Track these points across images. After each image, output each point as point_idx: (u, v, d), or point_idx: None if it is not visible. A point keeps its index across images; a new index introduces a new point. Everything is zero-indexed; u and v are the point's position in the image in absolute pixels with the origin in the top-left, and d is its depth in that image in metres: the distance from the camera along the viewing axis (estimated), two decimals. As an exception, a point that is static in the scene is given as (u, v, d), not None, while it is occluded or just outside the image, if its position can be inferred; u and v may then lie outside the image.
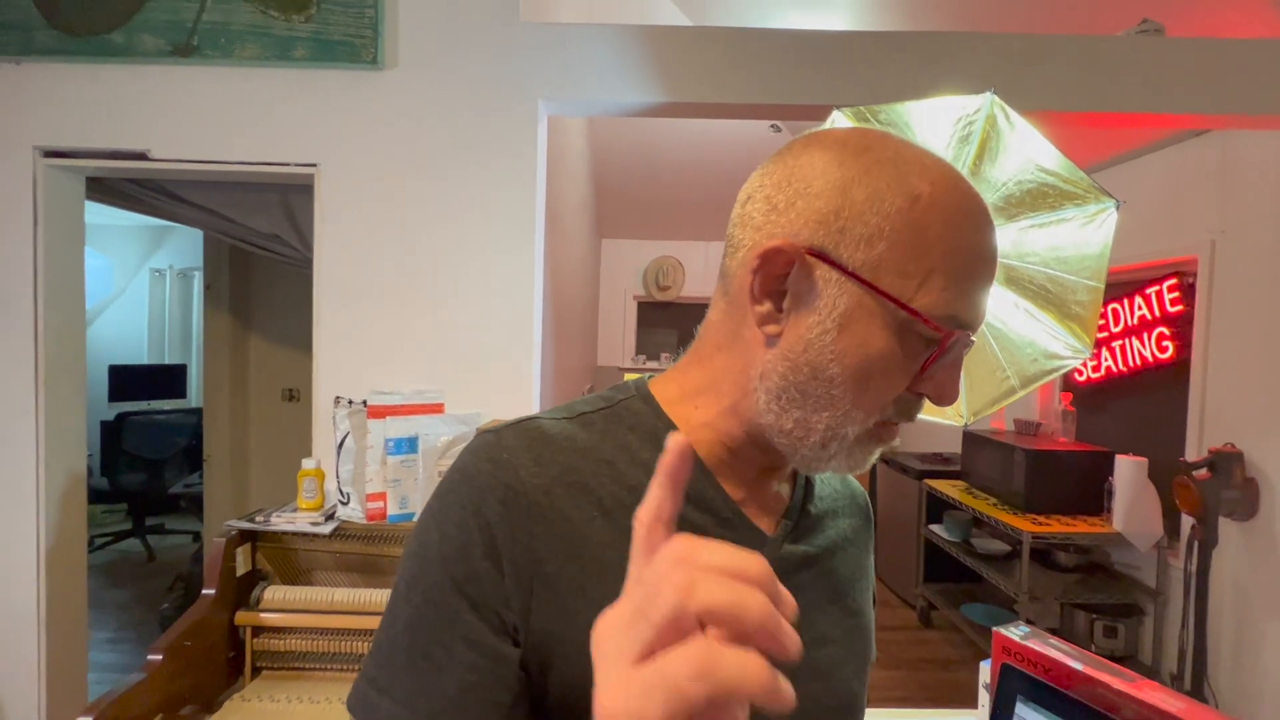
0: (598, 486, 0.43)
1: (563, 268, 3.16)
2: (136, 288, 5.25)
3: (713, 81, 1.72)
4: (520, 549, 0.40)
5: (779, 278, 0.42)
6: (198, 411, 4.39)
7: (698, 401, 0.47)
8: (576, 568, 0.40)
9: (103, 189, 1.96)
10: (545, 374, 2.08)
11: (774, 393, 0.42)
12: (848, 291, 0.40)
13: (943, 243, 0.40)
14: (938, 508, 3.20)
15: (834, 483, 0.58)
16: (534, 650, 0.40)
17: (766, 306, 0.42)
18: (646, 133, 4.06)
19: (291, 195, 1.91)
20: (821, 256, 0.41)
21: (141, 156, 1.72)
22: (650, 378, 0.52)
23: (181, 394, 5.04)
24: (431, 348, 1.73)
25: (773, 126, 3.83)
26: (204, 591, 1.37)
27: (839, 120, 1.41)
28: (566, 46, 1.72)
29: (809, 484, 0.53)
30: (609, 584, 0.39)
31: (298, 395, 2.94)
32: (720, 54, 1.72)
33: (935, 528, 3.17)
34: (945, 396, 0.42)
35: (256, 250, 2.06)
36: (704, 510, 0.45)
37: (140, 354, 5.20)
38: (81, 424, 1.90)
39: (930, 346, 0.41)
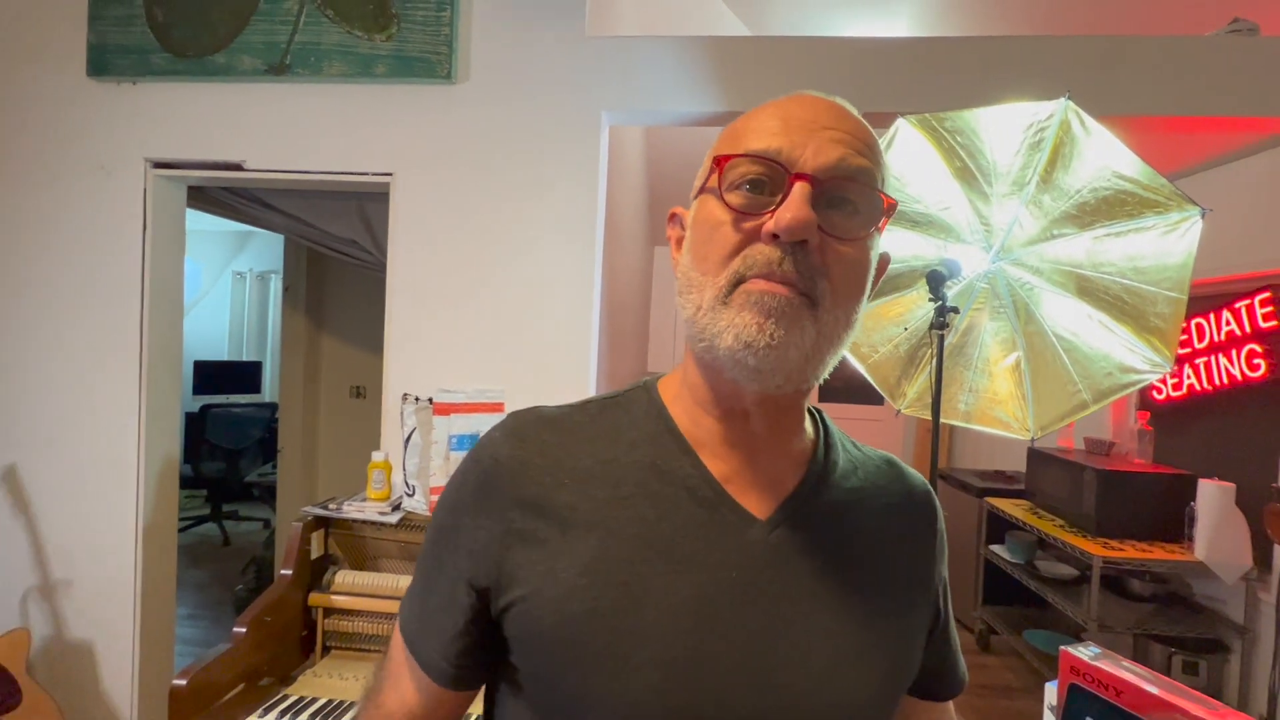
0: (571, 460, 0.49)
1: (618, 275, 3.21)
2: (220, 289, 5.62)
3: (774, 91, 1.73)
4: (495, 508, 0.49)
5: (676, 236, 0.53)
6: (271, 406, 4.67)
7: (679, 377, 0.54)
8: (541, 524, 0.47)
9: (202, 197, 2.13)
10: (600, 379, 2.12)
11: (680, 304, 0.49)
12: (692, 209, 0.51)
13: (728, 133, 0.49)
14: (999, 527, 3.08)
15: (880, 478, 0.55)
16: (504, 594, 0.47)
17: (674, 254, 0.53)
18: (702, 141, 4.09)
19: (368, 203, 2.03)
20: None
21: (237, 167, 1.87)
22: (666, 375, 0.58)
23: (257, 389, 5.36)
24: (494, 349, 1.80)
25: (831, 134, 3.79)
26: (281, 572, 1.46)
27: (903, 130, 1.40)
28: (629, 58, 1.76)
29: (825, 472, 0.52)
30: (568, 538, 0.47)
31: (364, 392, 3.09)
32: (781, 64, 1.73)
33: (996, 548, 3.05)
34: (779, 221, 0.43)
35: (334, 254, 2.19)
36: (681, 487, 0.48)
37: (221, 351, 5.57)
38: (176, 414, 2.07)
39: (729, 190, 0.46)
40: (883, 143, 1.43)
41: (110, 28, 1.84)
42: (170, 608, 2.06)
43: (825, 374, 0.47)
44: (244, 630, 1.32)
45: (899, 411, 1.63)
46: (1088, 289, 1.35)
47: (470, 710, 0.58)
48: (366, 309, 3.02)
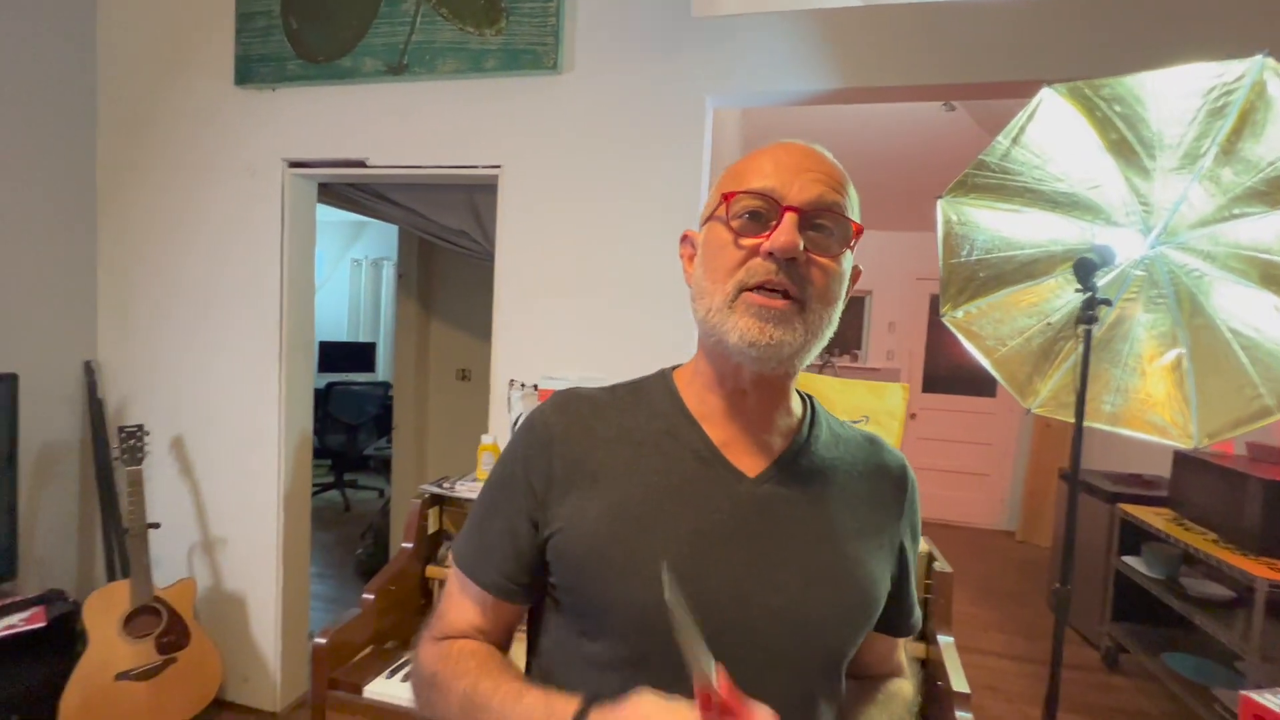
0: (601, 429, 0.64)
1: (713, 259, 3.16)
2: (339, 275, 6.10)
3: (891, 63, 1.62)
4: (542, 464, 0.62)
5: (689, 254, 0.66)
6: (384, 384, 5.03)
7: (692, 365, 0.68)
8: (578, 474, 0.61)
9: (328, 193, 2.29)
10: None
11: (693, 306, 0.62)
12: (703, 233, 0.64)
13: (732, 173, 0.62)
14: (1134, 537, 2.78)
15: (858, 451, 0.68)
16: (548, 526, 0.60)
17: (686, 268, 0.67)
18: (801, 120, 3.92)
19: (477, 194, 2.10)
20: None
21: (361, 164, 1.99)
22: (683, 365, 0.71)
23: (371, 368, 5.78)
24: (599, 336, 1.82)
25: (946, 106, 3.51)
26: (403, 545, 1.57)
27: (1048, 101, 1.26)
28: (735, 38, 1.70)
29: (809, 442, 0.65)
30: (599, 486, 0.60)
31: (469, 375, 3.24)
32: (899, 33, 1.61)
33: (1130, 560, 2.76)
34: (774, 243, 0.55)
35: (445, 244, 2.30)
36: (686, 449, 0.62)
37: (340, 332, 6.05)
38: (310, 390, 2.26)
39: (733, 218, 0.58)
40: (1025, 115, 1.30)
41: (253, 38, 2.00)
42: (306, 567, 2.28)
43: (809, 361, 0.60)
44: (372, 597, 1.43)
45: (1029, 411, 1.49)
46: (1276, 277, 1.16)
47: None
48: (472, 295, 3.16)
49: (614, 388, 0.69)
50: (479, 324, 3.15)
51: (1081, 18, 1.52)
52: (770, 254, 0.55)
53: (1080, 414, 1.21)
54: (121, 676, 1.74)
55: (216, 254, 2.12)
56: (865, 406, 1.56)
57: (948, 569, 1.37)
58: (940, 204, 1.46)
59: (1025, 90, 1.30)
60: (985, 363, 1.51)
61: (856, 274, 0.65)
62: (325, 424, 4.60)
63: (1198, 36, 1.44)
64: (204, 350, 2.15)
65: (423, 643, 0.67)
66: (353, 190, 2.26)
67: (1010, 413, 4.75)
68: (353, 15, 1.90)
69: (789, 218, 0.55)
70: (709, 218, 0.62)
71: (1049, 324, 1.49)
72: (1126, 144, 1.23)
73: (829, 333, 0.60)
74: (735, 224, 0.58)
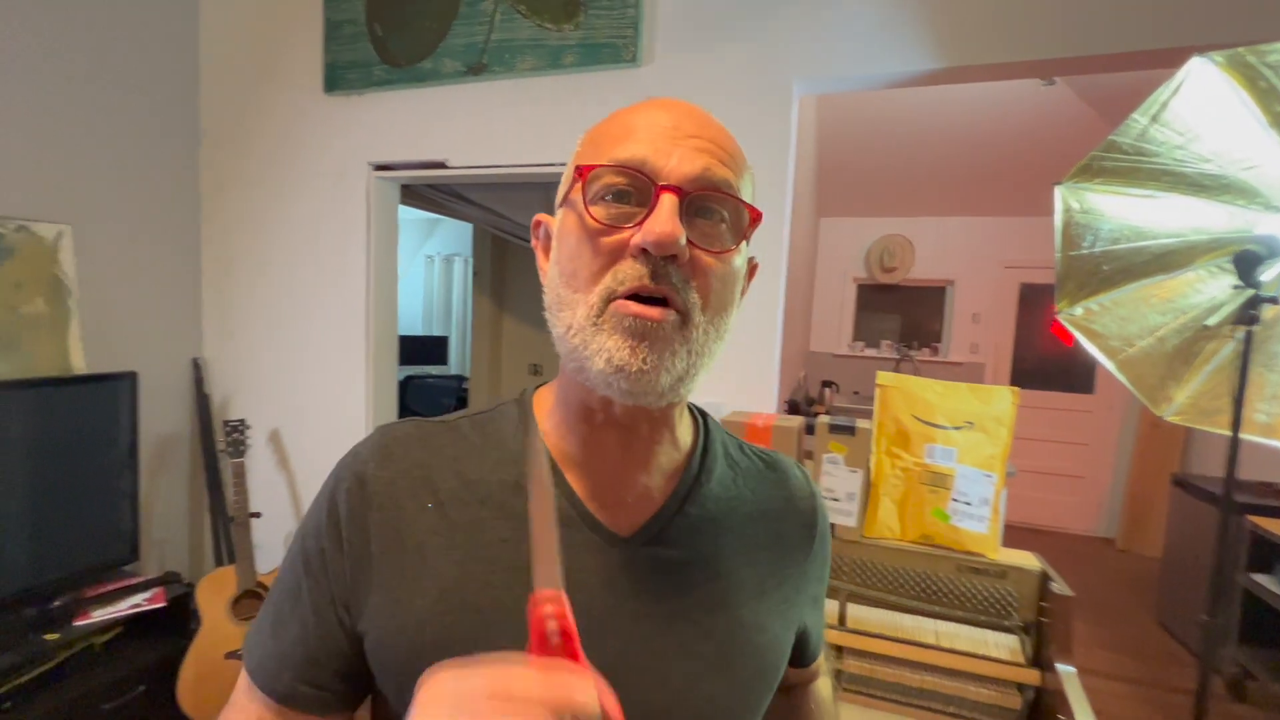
0: (439, 480, 0.48)
1: (794, 251, 3.06)
2: (414, 271, 6.32)
3: (1001, 37, 1.48)
4: (357, 531, 0.47)
5: (544, 239, 0.52)
6: (457, 377, 5.18)
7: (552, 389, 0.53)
8: (400, 550, 0.46)
9: (409, 193, 2.35)
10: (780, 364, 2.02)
11: (551, 320, 0.47)
12: (557, 219, 0.49)
13: (589, 141, 0.48)
14: (1266, 553, 2.51)
15: (758, 482, 0.55)
16: (364, 620, 0.46)
17: (542, 265, 0.52)
18: (880, 100, 3.72)
19: (552, 192, 2.09)
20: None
21: (441, 165, 2.02)
22: (548, 383, 0.55)
23: (444, 361, 5.98)
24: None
25: (1045, 81, 3.24)
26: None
27: (1198, 71, 1.12)
28: (823, 19, 1.61)
29: (696, 484, 0.52)
30: (427, 566, 0.45)
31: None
32: (1006, 4, 1.47)
33: (1262, 578, 2.49)
34: (647, 234, 0.41)
35: (522, 242, 2.31)
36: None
37: (415, 327, 6.28)
38: (394, 384, 2.34)
39: (592, 202, 0.44)
40: (1168, 89, 1.16)
41: (340, 46, 2.06)
42: (391, 557, 2.36)
43: (696, 387, 0.46)
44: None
45: (1163, 418, 1.35)
46: None
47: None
48: (541, 290, 3.19)
49: (458, 420, 0.53)
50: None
51: (1231, -26, 1.34)
52: (643, 250, 0.42)
53: (1237, 423, 1.07)
54: (231, 655, 1.86)
55: (306, 256, 2.21)
56: (969, 412, 1.45)
57: (1068, 592, 1.26)
58: (1059, 191, 1.33)
59: (1177, 60, 1.15)
60: (1109, 365, 1.38)
61: (753, 270, 0.52)
62: (403, 416, 4.78)
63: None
64: (297, 346, 2.26)
65: None
66: (432, 190, 2.30)
67: (1110, 411, 4.40)
68: (433, 18, 1.92)
69: (666, 200, 0.42)
70: (563, 200, 0.48)
71: (1185, 322, 1.34)
72: (1296, 117, 1.07)
73: (718, 350, 0.46)
74: (597, 210, 0.44)
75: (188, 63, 2.25)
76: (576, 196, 0.45)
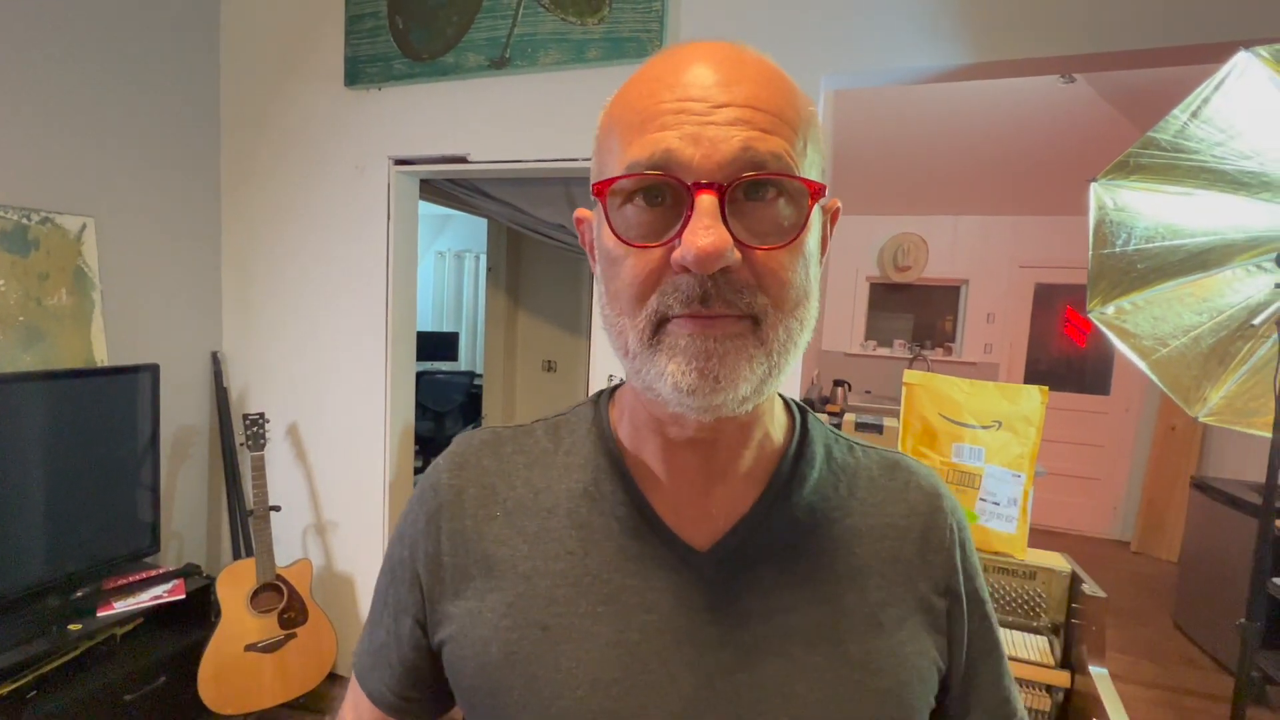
0: (506, 489, 0.46)
1: (804, 249, 3.04)
2: (425, 266, 6.33)
3: (1034, 33, 1.46)
4: (430, 542, 0.46)
5: (589, 238, 0.45)
6: (468, 373, 5.18)
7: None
8: (468, 560, 0.45)
9: (428, 188, 2.34)
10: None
11: (607, 334, 0.41)
12: (594, 227, 0.43)
13: (617, 122, 0.39)
14: (1287, 557, 2.48)
15: (870, 487, 0.47)
16: (440, 631, 0.45)
17: (592, 263, 0.45)
18: (894, 98, 3.69)
19: (574, 187, 2.09)
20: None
21: (462, 160, 2.02)
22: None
23: (454, 357, 5.98)
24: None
25: (1065, 78, 3.20)
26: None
27: (1243, 65, 1.10)
28: (850, 13, 1.59)
29: (791, 485, 0.45)
30: (494, 578, 0.43)
31: (554, 366, 3.28)
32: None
33: (1283, 583, 2.46)
34: (687, 253, 0.34)
35: (542, 238, 2.30)
36: (611, 516, 0.44)
37: (426, 322, 6.29)
38: (412, 379, 2.34)
39: (620, 212, 0.38)
40: (1211, 85, 1.14)
41: (361, 39, 2.06)
42: (407, 551, 2.37)
43: (782, 383, 0.41)
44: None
45: (1197, 419, 1.33)
46: None
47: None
48: (557, 288, 3.18)
49: (532, 425, 0.50)
50: (564, 316, 3.17)
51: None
52: (679, 270, 0.36)
53: (1279, 424, 1.06)
54: (250, 648, 1.87)
55: (326, 250, 2.21)
56: (997, 411, 1.43)
57: (1100, 593, 1.25)
58: (1094, 188, 1.31)
59: (1224, 55, 1.13)
60: (1142, 365, 1.36)
61: (835, 213, 0.44)
62: (415, 411, 4.80)
63: None
64: (316, 340, 2.26)
65: None
66: (452, 185, 2.30)
67: (1126, 413, 4.36)
68: (456, 11, 1.92)
69: (704, 203, 0.34)
70: (594, 192, 0.41)
71: (1221, 322, 1.32)
72: (1343, 113, 1.05)
73: (805, 339, 0.39)
74: (622, 227, 0.38)
75: (209, 56, 2.26)
76: (599, 213, 0.40)
